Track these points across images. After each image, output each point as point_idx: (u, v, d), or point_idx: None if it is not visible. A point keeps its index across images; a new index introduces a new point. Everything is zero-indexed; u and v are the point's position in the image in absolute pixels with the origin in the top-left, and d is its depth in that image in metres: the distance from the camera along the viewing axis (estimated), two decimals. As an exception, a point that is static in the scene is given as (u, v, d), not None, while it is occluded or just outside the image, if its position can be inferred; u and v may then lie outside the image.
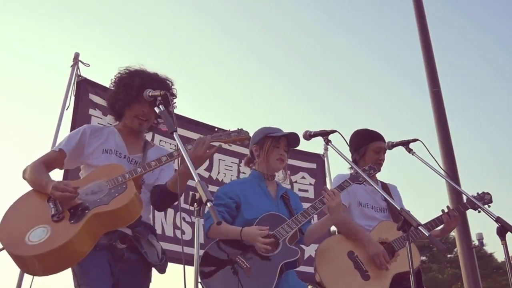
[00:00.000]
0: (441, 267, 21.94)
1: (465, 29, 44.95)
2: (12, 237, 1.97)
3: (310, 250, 4.49)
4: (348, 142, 3.03)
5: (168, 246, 3.87)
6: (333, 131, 2.66)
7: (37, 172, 2.22)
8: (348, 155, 3.16)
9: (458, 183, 5.98)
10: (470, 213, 6.50)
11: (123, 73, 2.48)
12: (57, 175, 4.43)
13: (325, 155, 5.40)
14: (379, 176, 3.23)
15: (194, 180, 1.79)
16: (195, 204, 2.18)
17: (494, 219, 2.47)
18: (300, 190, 5.00)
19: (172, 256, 3.68)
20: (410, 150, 2.95)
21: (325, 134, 2.68)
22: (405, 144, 2.97)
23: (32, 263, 1.93)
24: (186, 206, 4.10)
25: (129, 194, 2.11)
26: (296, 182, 5.08)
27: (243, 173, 4.74)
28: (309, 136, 2.74)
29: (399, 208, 2.06)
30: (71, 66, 4.09)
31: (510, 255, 2.43)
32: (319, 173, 5.27)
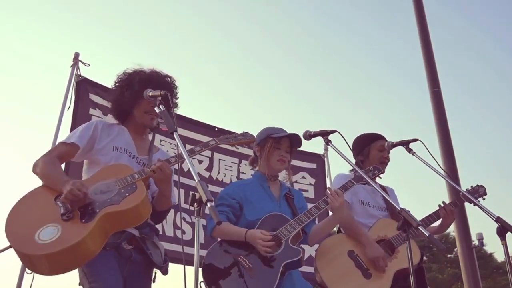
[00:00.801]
0: (441, 267, 21.94)
1: (465, 29, 44.99)
2: (20, 236, 1.94)
3: (310, 250, 4.49)
4: (350, 146, 3.04)
5: (168, 246, 3.87)
6: (333, 131, 2.67)
7: (52, 167, 2.19)
8: (348, 155, 3.17)
9: (458, 183, 5.98)
10: (470, 213, 6.51)
11: (124, 74, 2.48)
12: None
13: (325, 155, 5.41)
14: (378, 178, 3.24)
15: (194, 180, 1.79)
16: (195, 204, 2.19)
17: (494, 219, 2.48)
18: (300, 190, 4.98)
19: (172, 256, 3.69)
20: (410, 150, 2.96)
21: (325, 134, 2.68)
22: (405, 144, 2.99)
23: (41, 262, 1.91)
24: (187, 206, 4.11)
25: (140, 194, 2.11)
26: (296, 182, 5.08)
27: (243, 173, 4.75)
28: (309, 136, 2.75)
29: (399, 208, 2.06)
30: (71, 66, 4.10)
31: (510, 255, 2.43)
32: (319, 173, 5.28)
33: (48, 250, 1.87)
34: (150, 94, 2.21)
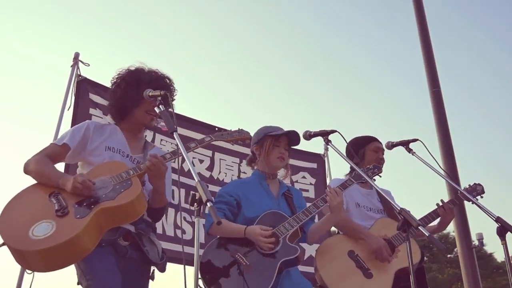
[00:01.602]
0: (441, 267, 21.94)
1: (465, 29, 44.98)
2: (14, 232, 1.93)
3: (311, 250, 4.50)
4: (346, 151, 3.05)
5: (168, 246, 3.88)
6: (333, 131, 2.68)
7: (44, 165, 2.19)
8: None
9: (458, 183, 5.98)
10: (470, 213, 6.50)
11: (127, 72, 2.47)
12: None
13: (325, 155, 5.42)
14: (376, 180, 3.24)
15: (194, 180, 1.79)
16: (195, 204, 2.19)
17: (494, 219, 2.48)
18: (300, 189, 4.98)
19: (172, 256, 3.69)
20: (410, 150, 2.97)
21: (325, 134, 2.69)
22: (405, 144, 2.99)
23: (34, 258, 1.90)
24: (187, 206, 4.11)
25: (136, 190, 2.12)
26: (296, 181, 5.09)
27: (244, 172, 4.75)
28: (309, 136, 2.76)
29: (399, 208, 2.06)
30: (71, 66, 4.10)
31: (510, 255, 2.43)
32: (319, 173, 5.29)
33: (42, 245, 1.86)
34: (150, 94, 2.21)
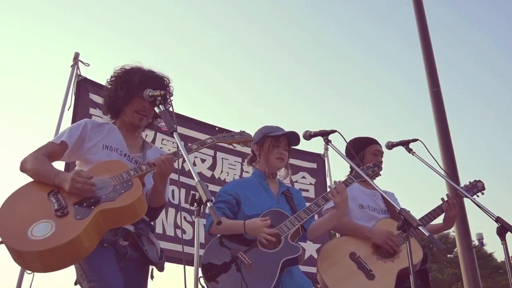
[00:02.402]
0: (441, 267, 21.94)
1: (465, 29, 44.97)
2: (12, 232, 1.90)
3: (311, 250, 4.50)
4: (345, 151, 3.06)
5: (169, 246, 3.88)
6: (333, 131, 2.68)
7: (41, 163, 2.17)
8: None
9: (458, 183, 5.97)
10: (470, 213, 6.51)
11: (120, 71, 2.47)
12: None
13: (325, 155, 5.43)
14: (377, 182, 3.24)
15: (194, 179, 1.79)
16: (195, 204, 2.19)
17: (494, 219, 2.48)
18: (300, 189, 4.98)
19: (173, 256, 3.69)
20: (410, 150, 2.97)
21: (325, 134, 2.69)
22: (405, 144, 2.99)
23: (33, 258, 1.88)
24: (187, 206, 4.11)
25: (137, 192, 2.10)
26: (296, 181, 5.10)
27: (246, 172, 4.75)
28: (309, 136, 2.76)
29: (399, 208, 2.06)
30: (71, 66, 4.10)
31: (510, 255, 2.43)
32: (319, 173, 5.29)
33: (42, 246, 1.84)
34: (150, 94, 2.21)
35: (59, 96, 3.98)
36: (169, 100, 2.33)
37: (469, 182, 3.14)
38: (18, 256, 1.91)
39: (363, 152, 3.17)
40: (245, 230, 2.38)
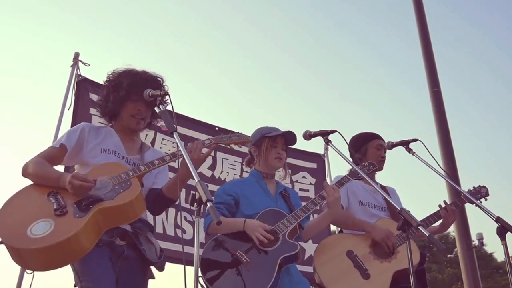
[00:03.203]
0: (441, 267, 21.95)
1: (465, 29, 44.98)
2: (12, 230, 1.92)
3: (310, 250, 4.50)
4: (348, 146, 3.06)
5: (169, 246, 3.88)
6: (333, 131, 2.69)
7: (43, 167, 2.19)
8: (348, 154, 3.18)
9: (458, 183, 5.98)
10: (470, 213, 6.52)
11: (112, 75, 2.47)
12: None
13: (325, 155, 5.43)
14: (379, 178, 3.25)
15: (194, 179, 1.79)
16: (195, 204, 2.19)
17: (494, 219, 2.48)
18: (301, 189, 5.03)
19: (173, 256, 3.69)
20: (410, 150, 2.97)
21: (325, 134, 2.70)
22: (405, 144, 3.00)
23: (32, 256, 1.90)
24: (188, 206, 4.11)
25: (135, 190, 2.11)
26: (297, 181, 5.11)
27: (246, 172, 4.76)
28: (309, 136, 2.76)
29: (399, 208, 2.06)
30: (71, 66, 4.10)
31: (510, 255, 2.43)
32: (319, 173, 5.30)
33: (41, 244, 1.86)
34: (150, 94, 2.21)
35: (59, 96, 3.99)
36: (165, 99, 2.31)
37: (473, 187, 3.13)
38: (17, 254, 1.93)
39: (366, 147, 3.18)
40: (244, 228, 2.39)
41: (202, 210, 2.45)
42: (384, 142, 3.20)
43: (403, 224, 1.99)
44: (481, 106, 43.12)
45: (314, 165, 5.31)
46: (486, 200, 3.06)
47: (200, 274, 2.28)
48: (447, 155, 6.63)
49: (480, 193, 3.08)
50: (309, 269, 4.23)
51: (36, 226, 1.92)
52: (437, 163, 2.93)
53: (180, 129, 4.21)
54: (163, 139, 4.37)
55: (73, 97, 3.98)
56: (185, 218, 4.25)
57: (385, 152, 3.18)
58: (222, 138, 2.58)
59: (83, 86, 4.07)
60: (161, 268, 2.30)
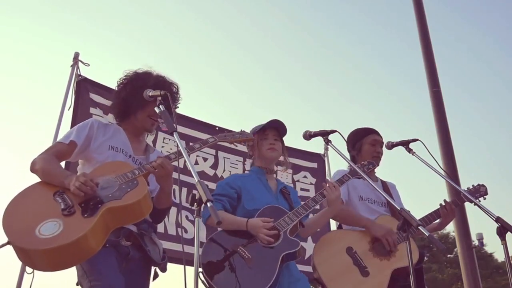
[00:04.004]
0: (441, 267, 21.95)
1: (465, 29, 44.96)
2: (20, 231, 1.90)
3: (311, 250, 4.50)
4: (346, 143, 3.07)
5: (170, 245, 3.88)
6: (333, 131, 2.69)
7: (50, 164, 2.18)
8: (348, 154, 3.19)
9: (458, 183, 5.99)
10: (470, 213, 6.52)
11: (134, 75, 2.47)
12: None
13: (325, 154, 5.44)
14: (379, 174, 3.25)
15: (194, 179, 1.79)
16: (195, 204, 2.19)
17: (494, 219, 2.48)
18: (301, 189, 5.06)
19: (174, 256, 3.69)
20: (410, 150, 2.97)
21: (325, 134, 2.70)
22: (405, 144, 3.00)
23: (41, 257, 1.88)
24: (188, 205, 4.12)
25: (142, 190, 2.11)
26: (298, 181, 5.13)
27: (248, 171, 4.78)
28: (309, 136, 2.77)
29: (399, 208, 2.06)
30: (71, 66, 4.10)
31: (510, 255, 2.43)
32: (320, 173, 5.32)
33: (50, 245, 1.84)
34: (150, 94, 2.21)
35: (59, 96, 3.99)
36: (174, 106, 2.33)
37: (472, 185, 3.13)
38: (25, 255, 1.91)
39: (361, 143, 3.16)
40: (247, 228, 2.40)
41: (202, 210, 2.45)
42: (381, 136, 3.18)
43: (403, 224, 1.99)
44: (481, 106, 43.14)
45: (315, 165, 5.34)
46: (485, 199, 3.06)
47: (200, 270, 2.29)
48: (447, 155, 6.64)
49: (479, 192, 3.08)
50: (309, 268, 4.23)
51: (45, 226, 1.90)
52: (437, 163, 2.93)
53: (180, 129, 4.21)
54: (164, 138, 4.39)
55: (73, 97, 3.98)
56: (186, 217, 4.26)
57: (381, 147, 3.15)
58: (226, 136, 2.61)
59: (83, 86, 4.07)
60: (164, 269, 2.32)
